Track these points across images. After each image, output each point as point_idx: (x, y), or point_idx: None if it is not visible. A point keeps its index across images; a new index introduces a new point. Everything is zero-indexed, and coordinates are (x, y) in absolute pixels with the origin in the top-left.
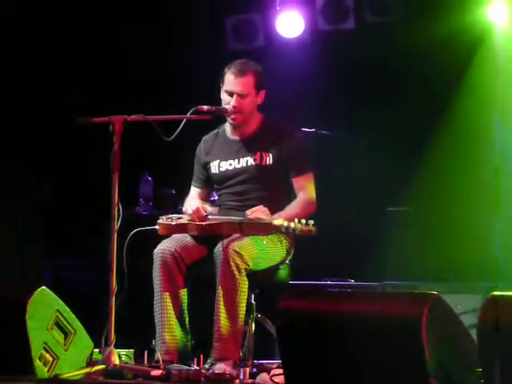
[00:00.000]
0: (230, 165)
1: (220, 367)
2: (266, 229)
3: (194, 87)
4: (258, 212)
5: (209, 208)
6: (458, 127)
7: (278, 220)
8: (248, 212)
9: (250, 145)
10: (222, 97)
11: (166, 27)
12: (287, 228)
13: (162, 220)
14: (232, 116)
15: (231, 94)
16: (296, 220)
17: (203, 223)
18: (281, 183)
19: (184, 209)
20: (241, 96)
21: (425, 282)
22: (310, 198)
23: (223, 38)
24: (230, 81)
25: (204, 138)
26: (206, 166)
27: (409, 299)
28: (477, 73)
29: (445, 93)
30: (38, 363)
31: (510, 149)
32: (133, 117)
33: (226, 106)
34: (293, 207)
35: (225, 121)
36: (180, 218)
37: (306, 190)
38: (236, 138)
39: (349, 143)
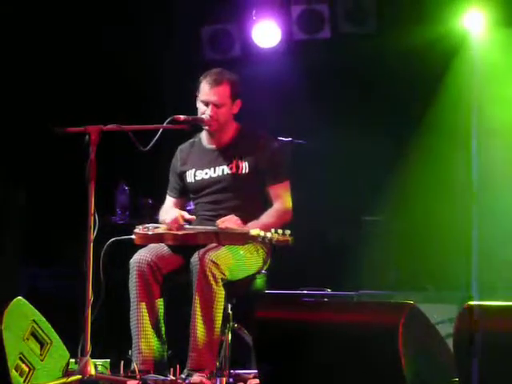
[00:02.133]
0: (206, 174)
1: (196, 378)
2: (242, 239)
3: (170, 96)
4: (229, 221)
5: (187, 216)
6: (434, 137)
7: (255, 230)
8: (218, 222)
9: (225, 154)
10: (197, 106)
11: (141, 36)
12: (264, 238)
13: (139, 229)
14: (207, 115)
15: (207, 104)
16: (272, 230)
17: (179, 233)
18: (256, 192)
19: (161, 219)
20: (216, 106)
21: (401, 291)
22: (286, 206)
23: (199, 48)
24: (206, 90)
25: (180, 147)
26: (181, 176)
27: (385, 309)
28: (453, 82)
29: (420, 103)
30: (14, 373)
31: (487, 159)
32: (109, 126)
33: (203, 116)
34: (268, 216)
35: (201, 130)
36: (157, 227)
37: (281, 198)
38: (212, 146)
39: (325, 152)
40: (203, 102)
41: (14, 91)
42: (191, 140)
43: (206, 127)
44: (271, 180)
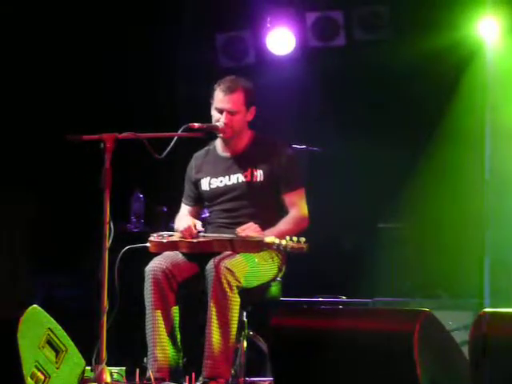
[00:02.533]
0: (221, 182)
1: None
2: (257, 246)
3: (185, 104)
4: (249, 229)
5: (199, 226)
6: (449, 143)
7: (270, 237)
8: (238, 230)
9: (240, 161)
10: (212, 113)
11: (156, 43)
12: (278, 245)
13: (153, 237)
14: (222, 123)
15: (221, 111)
16: (287, 237)
17: (194, 240)
18: (271, 200)
19: (175, 226)
20: (231, 113)
21: (416, 298)
22: (302, 214)
23: (214, 55)
24: (220, 98)
25: (195, 154)
26: (196, 184)
27: (400, 316)
28: (467, 89)
29: (436, 109)
30: (29, 381)
31: (501, 165)
32: (124, 134)
33: (217, 124)
34: (284, 223)
35: (216, 138)
36: (171, 235)
37: (297, 206)
38: (227, 154)
39: (340, 160)
40: (217, 109)
41: (30, 99)
42: (206, 148)
43: (221, 135)
44: (286, 188)
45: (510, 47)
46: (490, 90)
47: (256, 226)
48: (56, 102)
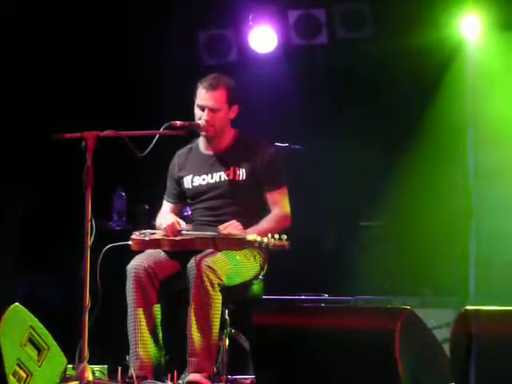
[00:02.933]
0: (203, 180)
1: (194, 376)
2: (239, 244)
3: (167, 102)
4: (231, 227)
5: (183, 223)
6: (432, 141)
7: (251, 235)
8: (221, 227)
9: (223, 160)
10: (195, 111)
11: (138, 41)
12: (260, 243)
13: (136, 235)
14: (203, 120)
15: (203, 109)
16: (269, 235)
17: (176, 238)
18: (254, 198)
19: (158, 224)
20: (212, 110)
21: (398, 296)
22: (285, 212)
23: (197, 53)
24: (202, 95)
25: (177, 152)
26: (179, 181)
27: (382, 314)
28: (450, 86)
29: (417, 108)
30: (11, 379)
31: (484, 163)
32: (105, 132)
33: (199, 121)
34: (267, 221)
35: (198, 136)
36: (153, 233)
37: (280, 204)
38: (209, 152)
39: (321, 158)
40: (199, 106)
41: (12, 97)
42: (189, 145)
43: (204, 133)
44: (269, 186)
45: (491, 44)
46: (471, 86)
47: (238, 224)
48: (43, 101)
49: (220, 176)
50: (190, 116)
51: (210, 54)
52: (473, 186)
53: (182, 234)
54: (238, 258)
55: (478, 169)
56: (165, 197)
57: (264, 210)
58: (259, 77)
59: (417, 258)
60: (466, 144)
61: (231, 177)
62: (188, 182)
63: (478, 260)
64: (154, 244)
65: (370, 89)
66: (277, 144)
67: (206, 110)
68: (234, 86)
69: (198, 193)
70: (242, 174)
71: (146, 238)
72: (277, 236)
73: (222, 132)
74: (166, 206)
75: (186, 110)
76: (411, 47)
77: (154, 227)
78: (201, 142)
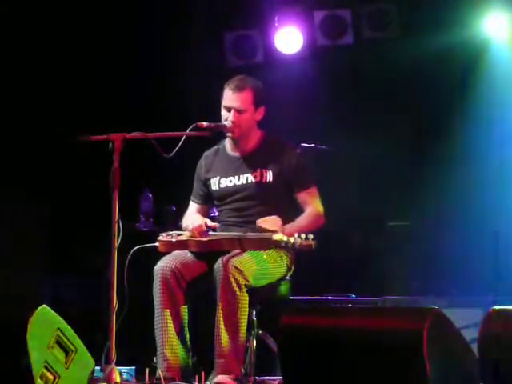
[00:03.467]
0: (230, 181)
1: (222, 377)
2: (265, 244)
3: (194, 103)
4: (269, 222)
5: (210, 222)
6: (458, 141)
7: (278, 235)
8: (259, 221)
9: (249, 161)
10: (222, 113)
11: (165, 43)
12: (287, 243)
13: (162, 237)
14: (229, 121)
15: (229, 110)
16: (296, 235)
17: (203, 239)
18: (281, 200)
19: (184, 225)
20: (238, 111)
21: (425, 296)
22: (318, 211)
23: (223, 54)
24: (228, 96)
25: (205, 153)
26: (206, 183)
27: (410, 314)
28: (475, 87)
29: (443, 107)
30: (39, 382)
31: (510, 161)
32: (132, 134)
33: (225, 123)
34: (303, 219)
35: (225, 137)
36: (180, 234)
37: (312, 203)
38: (236, 154)
39: (349, 158)
40: (226, 107)
41: (37, 101)
42: (216, 147)
43: (229, 134)
44: (298, 188)
45: None
46: (497, 87)
47: (278, 219)
48: (68, 103)
49: (247, 178)
50: (217, 117)
51: (236, 55)
52: (500, 183)
53: (208, 235)
54: (264, 257)
55: (504, 168)
56: (192, 198)
57: (292, 212)
58: (285, 78)
59: (444, 257)
60: (492, 139)
61: (258, 179)
62: (215, 183)
63: (507, 259)
64: (181, 245)
65: (395, 89)
66: (303, 144)
67: (232, 111)
68: (260, 87)
69: (225, 194)
70: (269, 175)
71: (173, 240)
72: (303, 236)
73: (248, 133)
74: (193, 207)
75: (212, 111)
76: (437, 47)
77: (181, 228)
78: (227, 143)
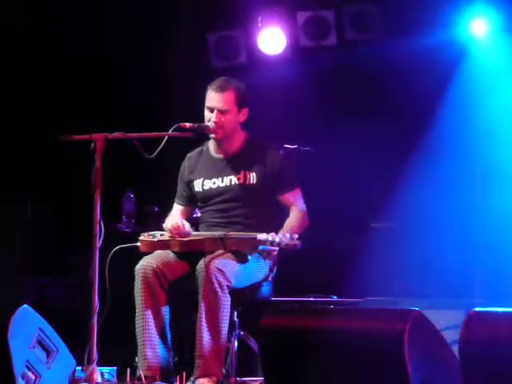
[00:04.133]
0: (214, 183)
1: (202, 381)
2: (250, 243)
3: (176, 104)
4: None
5: (187, 225)
6: (442, 142)
7: (262, 234)
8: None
9: (233, 163)
10: (205, 114)
11: (147, 43)
12: (272, 242)
13: (144, 237)
14: (212, 122)
15: (212, 110)
16: (280, 234)
17: (185, 239)
18: (265, 202)
19: (164, 225)
20: (221, 112)
21: (407, 297)
22: (304, 212)
23: (206, 55)
24: (211, 97)
25: (188, 155)
26: (189, 184)
27: (391, 316)
28: (459, 88)
29: (428, 108)
30: (20, 381)
31: (496, 160)
32: (114, 134)
33: (208, 123)
34: (293, 220)
35: (209, 138)
36: (162, 234)
37: (297, 204)
38: (220, 156)
39: (331, 159)
40: (208, 108)
41: (19, 99)
42: (199, 148)
43: (212, 135)
44: (282, 189)
45: (501, 46)
46: (480, 88)
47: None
48: (50, 103)
49: (230, 180)
50: (200, 118)
51: (219, 55)
52: (482, 185)
53: (190, 235)
54: (249, 257)
55: (487, 168)
56: (175, 199)
57: (274, 213)
58: (268, 78)
59: (426, 259)
60: (477, 141)
61: (242, 181)
62: (198, 185)
63: (488, 262)
64: (163, 245)
65: (379, 90)
66: (286, 146)
67: (215, 112)
68: (243, 88)
69: (209, 196)
70: (252, 177)
71: (155, 240)
72: (288, 235)
73: (231, 135)
74: (176, 209)
75: (195, 112)
76: (421, 49)
77: (163, 229)
78: (211, 145)
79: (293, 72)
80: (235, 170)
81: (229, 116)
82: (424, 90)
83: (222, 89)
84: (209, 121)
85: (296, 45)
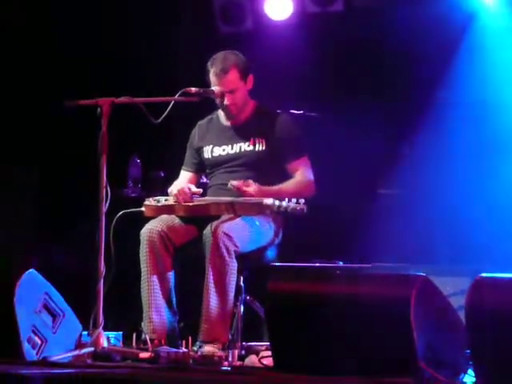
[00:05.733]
0: (223, 150)
1: (209, 349)
2: (257, 208)
3: (182, 69)
4: (243, 185)
5: (194, 189)
6: (450, 108)
7: (269, 199)
8: (232, 182)
9: (243, 131)
10: (211, 79)
11: (152, 8)
12: (279, 206)
13: (149, 201)
14: (225, 104)
15: (222, 94)
16: (286, 199)
17: (190, 204)
18: (274, 169)
19: (169, 190)
20: (231, 92)
21: (414, 263)
22: (307, 179)
23: (212, 21)
24: (216, 81)
25: (199, 122)
26: (198, 151)
27: (397, 281)
28: (467, 53)
29: (435, 76)
30: (26, 346)
31: (505, 128)
32: (120, 99)
33: (212, 88)
34: (286, 184)
35: (216, 105)
36: (167, 199)
37: (301, 171)
38: (229, 124)
39: (339, 125)
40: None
41: (23, 65)
42: (210, 116)
43: (225, 108)
44: (290, 157)
45: (509, 8)
46: (489, 53)
47: (252, 183)
48: (55, 68)
49: (240, 147)
50: (206, 83)
51: (225, 21)
52: (494, 153)
53: (196, 200)
54: (256, 223)
55: (499, 138)
56: (183, 166)
57: (283, 180)
58: (275, 44)
59: (434, 225)
60: (485, 108)
61: (251, 147)
62: (208, 152)
63: (495, 227)
64: (168, 209)
65: (386, 57)
66: (292, 111)
67: (226, 94)
68: (242, 59)
69: (218, 163)
70: (261, 144)
71: (159, 204)
72: (294, 200)
73: (243, 106)
74: (184, 175)
75: (201, 76)
76: (428, 13)
77: (168, 194)
78: (221, 113)
79: (299, 38)
80: (245, 137)
81: (238, 93)
82: (430, 58)
83: (223, 71)
84: (215, 85)
85: (302, 11)
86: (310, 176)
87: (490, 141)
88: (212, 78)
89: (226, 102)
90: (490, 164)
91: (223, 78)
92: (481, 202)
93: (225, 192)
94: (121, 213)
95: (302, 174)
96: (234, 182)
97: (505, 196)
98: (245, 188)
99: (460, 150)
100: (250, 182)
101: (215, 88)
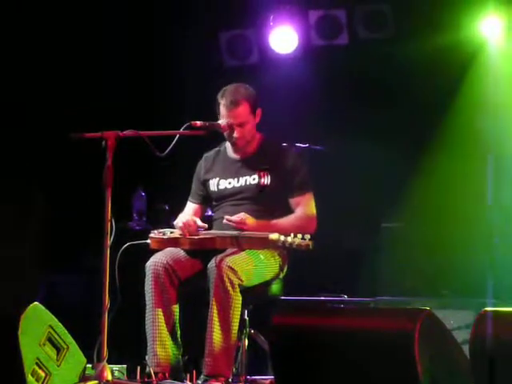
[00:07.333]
0: (230, 183)
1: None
2: (261, 242)
3: (189, 103)
4: (238, 219)
5: (199, 222)
6: (453, 143)
7: (274, 234)
8: (228, 218)
9: (249, 164)
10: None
11: (159, 41)
12: (284, 242)
13: (154, 234)
14: (233, 137)
15: (231, 126)
16: (292, 234)
17: (195, 237)
18: (279, 203)
19: (175, 222)
20: (240, 125)
21: (418, 297)
22: (309, 213)
23: (218, 54)
24: (226, 114)
25: (205, 154)
26: (204, 183)
27: (402, 315)
28: (470, 88)
29: (439, 108)
30: (30, 379)
31: (506, 159)
32: (126, 132)
33: (219, 122)
34: (286, 219)
35: (222, 138)
36: (172, 232)
37: (303, 206)
38: (236, 157)
39: (343, 159)
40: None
41: (31, 97)
42: (216, 148)
43: (232, 140)
44: (294, 191)
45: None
46: (493, 89)
47: (250, 220)
48: (62, 101)
49: (246, 180)
50: (212, 116)
51: (231, 54)
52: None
53: (201, 233)
54: (261, 257)
55: (500, 165)
56: (189, 198)
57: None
58: (280, 77)
59: (437, 259)
60: (488, 141)
61: (256, 181)
62: (214, 185)
63: (499, 262)
64: (173, 242)
65: (391, 89)
66: (298, 144)
67: (235, 127)
68: (253, 93)
69: (224, 196)
70: (267, 178)
71: (165, 237)
72: (300, 235)
73: (250, 139)
74: (189, 207)
75: (207, 110)
76: (432, 48)
77: (173, 227)
78: (228, 145)
79: (304, 71)
80: (250, 171)
81: (247, 126)
82: (435, 89)
83: (234, 104)
84: (223, 118)
85: (308, 44)
86: (312, 210)
87: (494, 171)
88: (221, 109)
89: (235, 134)
90: (496, 194)
91: (233, 110)
92: (485, 234)
93: (230, 225)
94: (127, 244)
95: (302, 209)
96: (231, 218)
97: (510, 227)
98: (240, 225)
99: (463, 182)
100: (242, 215)
101: (222, 121)
